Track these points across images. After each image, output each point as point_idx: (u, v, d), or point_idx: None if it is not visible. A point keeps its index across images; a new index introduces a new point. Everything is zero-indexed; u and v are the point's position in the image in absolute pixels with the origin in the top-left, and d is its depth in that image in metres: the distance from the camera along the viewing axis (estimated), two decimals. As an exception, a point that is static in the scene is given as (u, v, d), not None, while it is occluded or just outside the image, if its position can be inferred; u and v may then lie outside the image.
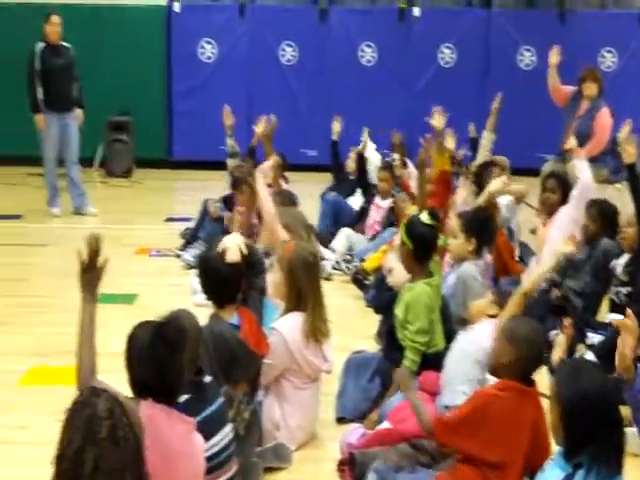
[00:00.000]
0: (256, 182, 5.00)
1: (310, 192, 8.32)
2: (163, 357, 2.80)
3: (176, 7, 12.36)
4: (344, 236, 7.19)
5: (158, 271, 6.93)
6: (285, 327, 4.05)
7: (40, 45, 8.89)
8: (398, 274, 4.46)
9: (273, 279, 4.23)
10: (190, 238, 7.38)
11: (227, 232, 6.82)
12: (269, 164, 6.47)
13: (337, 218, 7.61)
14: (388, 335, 4.38)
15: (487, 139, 7.13)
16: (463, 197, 6.00)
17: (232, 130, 7.52)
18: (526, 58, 12.32)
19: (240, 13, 12.43)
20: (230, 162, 7.36)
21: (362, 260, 6.60)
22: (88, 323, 2.87)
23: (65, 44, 9.08)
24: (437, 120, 5.56)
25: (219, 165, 11.10)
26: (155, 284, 6.55)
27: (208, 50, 12.46)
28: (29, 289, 6.33)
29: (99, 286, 2.90)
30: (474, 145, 7.66)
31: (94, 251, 2.90)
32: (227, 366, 3.63)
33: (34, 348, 5.10)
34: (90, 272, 2.89)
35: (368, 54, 12.37)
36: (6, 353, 5.03)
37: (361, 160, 7.97)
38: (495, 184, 5.46)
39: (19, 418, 4.24)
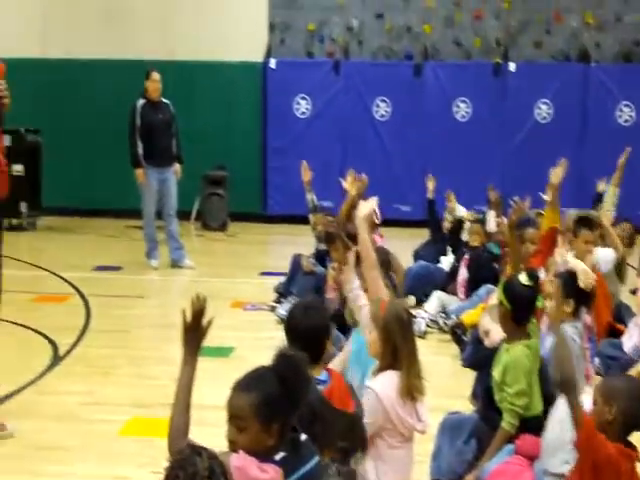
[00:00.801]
0: (360, 229, 4.93)
1: (404, 248, 8.31)
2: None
3: (272, 63, 12.66)
4: (436, 298, 7.13)
5: (253, 325, 7.01)
6: (380, 385, 4.03)
7: (141, 101, 9.18)
8: (495, 336, 4.40)
9: (368, 337, 4.23)
10: (283, 292, 7.44)
11: (320, 287, 6.95)
12: (368, 212, 6.47)
13: (428, 281, 7.56)
14: (485, 396, 4.31)
15: (612, 194, 7.02)
16: (563, 256, 5.89)
17: (310, 185, 7.62)
18: (625, 114, 12.15)
19: (334, 69, 12.64)
20: (312, 217, 7.42)
21: (458, 317, 6.54)
22: (185, 385, 2.87)
23: (165, 100, 9.36)
24: (555, 175, 5.51)
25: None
26: (250, 337, 6.61)
27: (303, 106, 12.69)
28: (129, 340, 6.47)
29: (201, 347, 2.90)
30: (599, 200, 7.58)
31: (198, 311, 2.90)
32: (307, 423, 3.61)
33: (134, 399, 5.21)
34: (193, 332, 2.89)
35: (463, 109, 12.39)
36: (107, 403, 5.14)
37: (457, 224, 7.95)
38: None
39: (119, 469, 4.31)
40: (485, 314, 5.00)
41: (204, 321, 2.90)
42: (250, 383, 2.72)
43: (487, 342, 4.60)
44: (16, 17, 12.65)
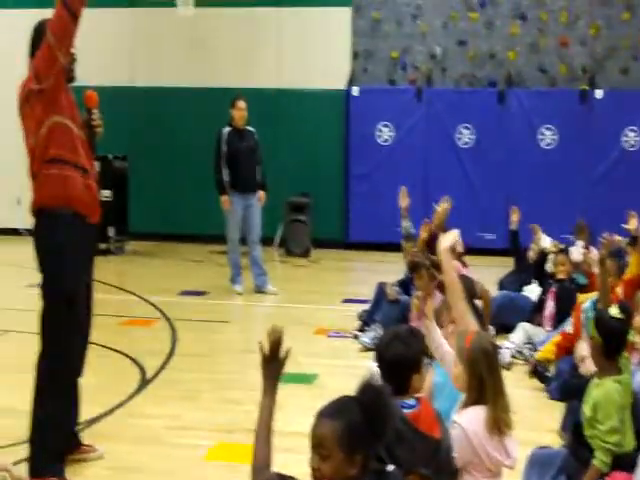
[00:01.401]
0: (444, 261, 4.90)
1: (488, 277, 8.23)
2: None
3: (354, 91, 12.74)
4: (522, 329, 7.01)
5: (336, 352, 7.02)
6: (466, 420, 3.99)
7: (226, 129, 9.34)
8: (591, 364, 4.32)
9: (454, 371, 4.19)
10: (367, 320, 7.44)
11: (404, 316, 6.93)
12: (450, 244, 6.43)
13: (512, 311, 7.45)
14: (574, 431, 4.23)
15: None
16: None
17: (407, 212, 7.59)
18: None
19: (417, 96, 12.65)
20: (405, 244, 7.41)
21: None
22: (266, 416, 2.87)
23: (250, 128, 9.49)
24: (632, 223, 5.42)
25: (394, 247, 11.26)
26: (333, 365, 6.63)
27: (385, 133, 12.72)
28: (214, 365, 6.56)
29: (280, 377, 2.92)
30: None
31: (276, 343, 2.91)
32: (391, 445, 3.58)
33: (219, 424, 5.26)
34: (272, 363, 2.90)
35: (548, 137, 12.25)
36: (193, 428, 5.21)
37: (541, 256, 7.84)
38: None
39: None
40: (582, 341, 4.92)
41: (282, 352, 2.92)
42: (334, 412, 2.70)
43: (583, 369, 4.52)
44: (106, 48, 13.01)
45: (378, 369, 3.96)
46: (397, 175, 12.15)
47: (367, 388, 2.78)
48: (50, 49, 4.00)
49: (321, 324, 7.88)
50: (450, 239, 4.35)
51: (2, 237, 13.47)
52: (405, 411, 3.66)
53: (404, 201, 7.54)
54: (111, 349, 6.77)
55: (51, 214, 4.15)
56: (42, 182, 4.15)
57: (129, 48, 13.38)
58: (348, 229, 12.81)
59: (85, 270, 4.32)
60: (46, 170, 4.12)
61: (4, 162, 13.59)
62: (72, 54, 4.18)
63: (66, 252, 4.13)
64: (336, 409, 2.73)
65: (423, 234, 7.42)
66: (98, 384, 5.60)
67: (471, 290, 6.39)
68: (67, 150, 4.14)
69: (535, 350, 6.61)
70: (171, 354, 6.76)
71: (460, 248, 7.34)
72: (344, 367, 6.56)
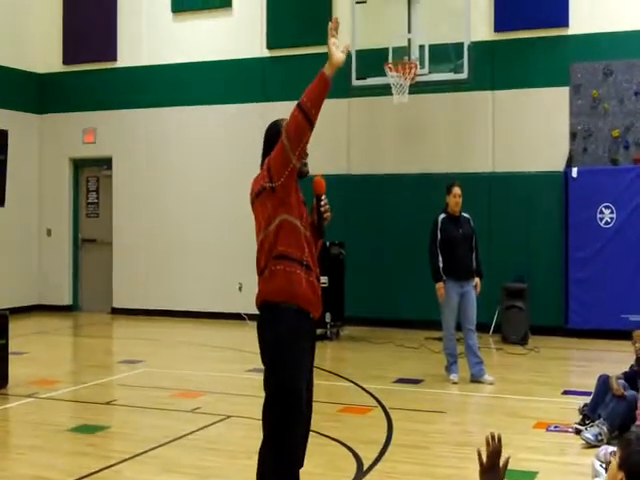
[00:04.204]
0: None
1: None
2: None
3: (573, 172, 12.42)
4: None
5: (557, 448, 6.70)
6: None
7: (442, 215, 9.36)
8: None
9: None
10: (589, 414, 7.07)
11: (632, 413, 6.53)
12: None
13: None
14: None
15: None
16: None
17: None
18: None
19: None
20: (635, 333, 7.04)
21: None
22: None
23: (465, 214, 9.47)
24: None
25: (619, 335, 10.73)
26: (553, 462, 6.33)
27: (607, 215, 12.27)
28: (430, 457, 6.44)
29: None
30: None
31: (495, 452, 2.81)
32: None
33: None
34: (490, 473, 2.80)
35: None
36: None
37: None
38: None
39: None
40: None
41: (501, 462, 2.81)
42: None
43: None
44: (325, 137, 13.51)
45: (603, 469, 3.73)
46: (620, 259, 11.66)
47: None
48: (284, 151, 4.16)
49: (540, 417, 7.57)
50: None
51: (225, 321, 14.13)
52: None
53: None
54: (327, 437, 6.83)
55: (275, 308, 4.29)
56: (268, 277, 4.31)
57: (346, 136, 13.84)
58: (568, 315, 12.34)
59: (307, 363, 4.41)
60: (273, 266, 4.28)
61: (226, 249, 14.34)
62: (305, 153, 4.31)
63: (289, 346, 4.25)
64: None
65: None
66: (314, 472, 5.65)
67: None
68: (294, 247, 4.28)
69: None
70: (387, 444, 6.73)
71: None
72: (566, 464, 6.25)
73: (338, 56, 4.12)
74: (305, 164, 4.38)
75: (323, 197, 4.45)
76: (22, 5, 15.93)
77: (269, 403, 4.29)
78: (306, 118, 4.09)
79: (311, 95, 4.11)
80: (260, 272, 4.36)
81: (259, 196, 4.33)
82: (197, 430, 7.22)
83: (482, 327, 10.85)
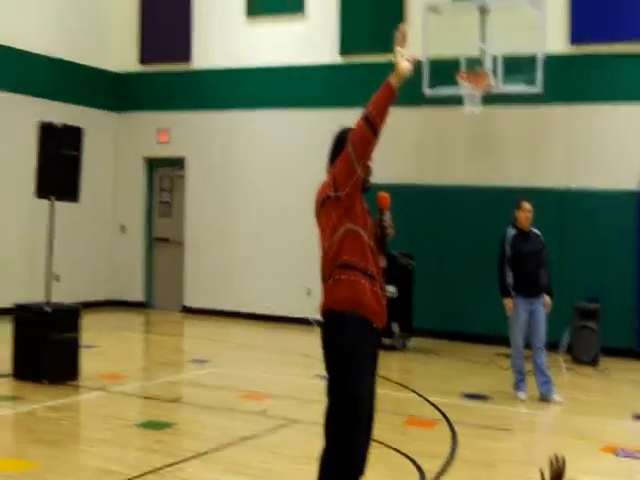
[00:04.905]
0: None
1: None
2: None
3: (649, 190, 12.18)
4: None
5: (625, 474, 6.56)
6: None
7: (511, 230, 9.27)
8: None
9: None
10: (661, 441, 6.92)
11: None
12: None
13: None
14: None
15: None
16: None
17: None
18: None
19: None
20: None
21: None
22: None
23: (535, 230, 9.35)
24: None
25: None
26: (622, 488, 6.21)
27: (683, 234, 11.97)
28: (494, 475, 6.37)
29: None
30: None
31: (557, 473, 2.78)
32: None
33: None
34: None
35: None
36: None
37: None
38: None
39: None
40: None
41: None
42: None
43: None
44: (396, 145, 13.50)
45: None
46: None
47: None
48: (349, 160, 4.20)
49: (609, 440, 7.42)
50: None
51: (292, 326, 14.19)
52: None
53: None
54: (391, 448, 6.81)
55: (339, 317, 4.32)
56: (333, 286, 4.35)
57: (417, 146, 13.79)
58: (640, 338, 12.09)
59: (370, 372, 4.42)
60: (337, 275, 4.32)
61: (295, 253, 14.41)
62: (369, 167, 4.36)
63: (352, 354, 4.27)
64: None
65: None
66: (378, 484, 5.64)
67: None
68: (358, 257, 4.31)
69: None
70: (451, 459, 6.67)
71: None
72: (635, 492, 6.13)
73: (404, 65, 4.13)
74: (368, 179, 4.42)
75: (386, 212, 4.48)
76: (100, 6, 16.30)
77: (331, 410, 4.31)
78: (371, 128, 4.11)
79: (376, 105, 4.12)
80: (325, 280, 4.40)
81: (324, 205, 4.37)
82: (261, 432, 7.27)
83: (552, 346, 10.68)
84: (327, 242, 4.37)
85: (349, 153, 4.20)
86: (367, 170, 4.36)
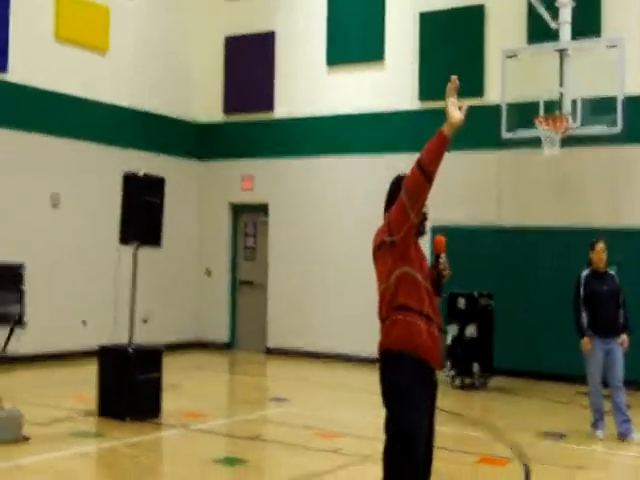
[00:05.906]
0: None
1: None
2: None
3: None
4: None
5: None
6: None
7: (585, 271, 9.27)
8: None
9: None
10: None
11: None
12: None
13: None
14: None
15: None
16: None
17: None
18: None
19: None
20: None
21: None
22: None
23: (610, 271, 9.31)
24: None
25: None
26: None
27: None
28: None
29: None
30: None
31: None
32: None
33: None
34: None
35: None
36: None
37: None
38: None
39: None
40: None
41: None
42: None
43: None
44: (474, 189, 13.56)
45: None
46: None
47: None
48: (403, 207, 4.34)
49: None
50: None
51: (372, 365, 14.23)
52: None
53: None
54: (461, 485, 6.84)
55: (396, 356, 4.44)
56: (389, 326, 4.49)
57: (496, 188, 13.80)
58: None
59: (427, 409, 4.51)
60: (394, 316, 4.46)
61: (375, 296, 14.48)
62: (424, 213, 4.48)
63: (408, 392, 4.38)
64: None
65: None
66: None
67: None
68: (414, 299, 4.44)
69: None
70: (521, 496, 6.66)
71: None
72: None
73: (456, 115, 4.23)
74: (423, 225, 4.55)
75: (442, 256, 4.59)
76: (186, 60, 16.94)
77: (388, 446, 4.42)
78: (424, 175, 4.23)
79: (429, 153, 4.24)
80: (382, 321, 4.55)
81: (380, 249, 4.53)
82: (333, 470, 7.38)
83: (632, 385, 10.47)
84: (383, 285, 4.52)
85: (403, 200, 4.34)
86: (421, 215, 4.48)
